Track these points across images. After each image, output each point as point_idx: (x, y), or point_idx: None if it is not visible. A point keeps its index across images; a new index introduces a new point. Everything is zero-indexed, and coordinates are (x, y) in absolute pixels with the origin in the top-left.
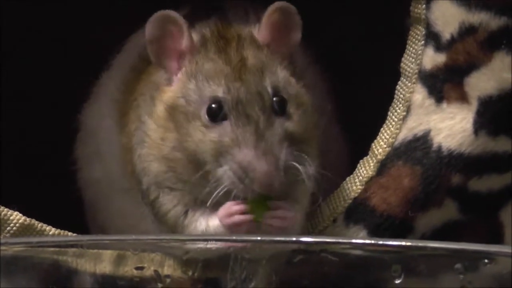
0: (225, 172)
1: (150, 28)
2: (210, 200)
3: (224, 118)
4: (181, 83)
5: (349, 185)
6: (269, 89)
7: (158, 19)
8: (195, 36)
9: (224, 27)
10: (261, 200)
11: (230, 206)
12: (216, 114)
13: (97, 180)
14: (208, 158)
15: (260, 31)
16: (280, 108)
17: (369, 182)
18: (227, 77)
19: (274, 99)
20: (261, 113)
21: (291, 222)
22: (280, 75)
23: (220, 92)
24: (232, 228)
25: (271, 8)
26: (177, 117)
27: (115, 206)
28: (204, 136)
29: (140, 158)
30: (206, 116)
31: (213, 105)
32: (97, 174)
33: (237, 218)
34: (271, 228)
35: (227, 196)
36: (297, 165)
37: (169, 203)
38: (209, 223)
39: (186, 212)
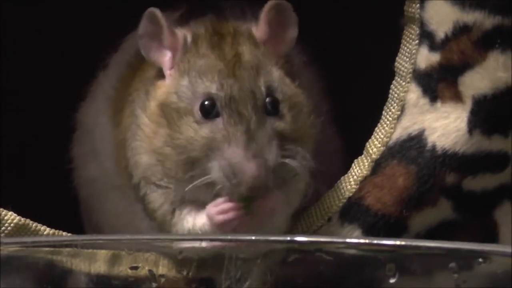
0: (213, 166)
1: (141, 24)
2: (192, 184)
3: (217, 115)
4: (174, 79)
5: (344, 184)
6: (263, 89)
7: (146, 17)
8: (187, 34)
9: (220, 23)
10: (248, 198)
11: (221, 204)
12: (209, 111)
13: (93, 178)
14: (198, 154)
15: (258, 29)
16: (273, 108)
17: (364, 182)
18: (220, 73)
19: (267, 99)
20: (253, 113)
21: (273, 213)
22: (275, 75)
23: (213, 89)
24: (221, 225)
25: (267, 5)
26: (170, 113)
27: (110, 204)
28: (196, 132)
29: (132, 151)
30: (199, 113)
31: (206, 102)
32: (93, 173)
33: (230, 215)
34: (255, 221)
35: (211, 193)
36: (287, 160)
37: (156, 201)
38: (195, 221)
39: (173, 211)
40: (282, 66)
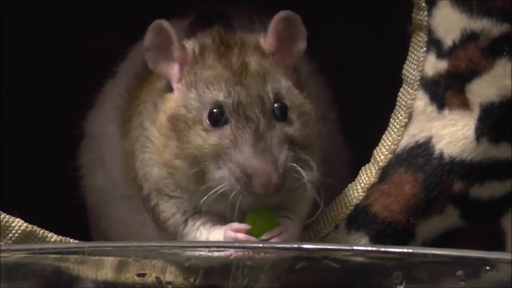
0: (223, 174)
1: (147, 36)
2: (205, 197)
3: (226, 122)
4: (182, 92)
5: (351, 192)
6: (271, 95)
7: (152, 28)
8: (195, 46)
9: (227, 34)
10: (261, 213)
11: (233, 224)
12: (218, 119)
13: (100, 187)
14: (207, 161)
15: (266, 40)
16: (281, 114)
17: (371, 189)
18: (228, 81)
19: (276, 105)
20: (261, 116)
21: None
22: (283, 83)
23: (221, 96)
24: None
25: (277, 17)
26: (179, 125)
27: (117, 213)
28: (205, 140)
29: (142, 163)
30: (208, 121)
31: (215, 110)
32: (100, 181)
33: (240, 235)
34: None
35: (226, 203)
36: (297, 167)
37: (168, 210)
38: (210, 235)
39: (186, 221)
40: (290, 76)
